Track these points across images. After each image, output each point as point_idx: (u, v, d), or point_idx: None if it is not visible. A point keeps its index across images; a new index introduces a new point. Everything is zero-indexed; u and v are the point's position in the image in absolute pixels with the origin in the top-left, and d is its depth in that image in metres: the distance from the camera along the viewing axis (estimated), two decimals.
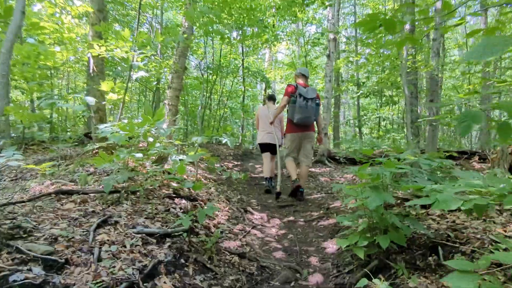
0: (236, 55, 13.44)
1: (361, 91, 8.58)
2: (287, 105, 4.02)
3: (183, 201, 3.00)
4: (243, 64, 12.20)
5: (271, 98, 5.50)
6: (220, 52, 11.57)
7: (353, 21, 13.16)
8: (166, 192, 3.07)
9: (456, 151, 6.95)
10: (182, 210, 2.76)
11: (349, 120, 9.56)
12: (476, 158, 6.71)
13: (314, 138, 4.24)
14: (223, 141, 3.05)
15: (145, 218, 2.32)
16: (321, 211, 3.68)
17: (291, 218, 3.57)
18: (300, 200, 4.10)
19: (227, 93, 12.30)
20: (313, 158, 6.51)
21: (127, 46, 3.88)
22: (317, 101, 3.91)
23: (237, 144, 10.17)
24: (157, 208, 2.61)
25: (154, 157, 3.58)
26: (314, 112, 3.89)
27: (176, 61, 6.07)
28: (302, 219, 3.49)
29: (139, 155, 2.74)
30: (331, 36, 7.25)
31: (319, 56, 13.44)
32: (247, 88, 14.20)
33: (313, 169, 6.67)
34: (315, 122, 4.17)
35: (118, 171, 2.86)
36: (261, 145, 5.09)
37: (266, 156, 5.04)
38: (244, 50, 12.96)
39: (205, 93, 10.00)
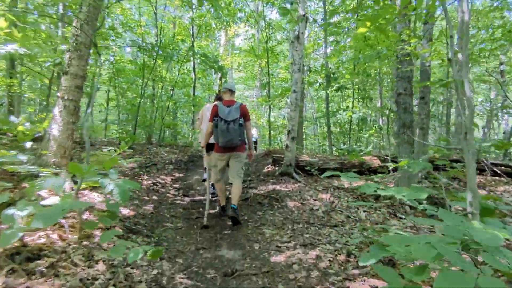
0: (185, 36, 11.35)
1: (336, 85, 7.14)
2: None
3: None
4: (193, 46, 10.20)
5: (220, 97, 4.56)
6: (160, 30, 9.37)
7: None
8: None
9: (450, 160, 5.78)
10: None
11: (319, 118, 8.18)
12: None
13: (244, 157, 3.98)
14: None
15: None
16: None
17: None
18: (234, 222, 3.64)
19: (173, 82, 10.21)
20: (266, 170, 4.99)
21: None
22: (240, 122, 3.73)
23: (184, 145, 8.25)
24: None
25: None
26: (238, 133, 3.71)
27: (77, 32, 4.01)
28: None
29: None
30: (301, 11, 5.60)
31: (282, 42, 11.82)
32: (199, 77, 12.21)
33: (277, 187, 5.07)
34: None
35: None
36: (210, 146, 4.23)
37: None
38: (194, 31, 10.93)
39: (142, 81, 7.90)
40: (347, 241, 3.07)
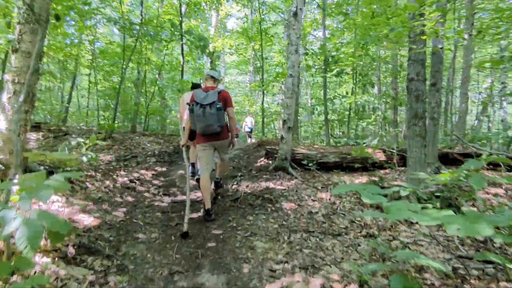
0: (173, 15, 10.49)
1: (336, 70, 6.46)
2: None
3: None
4: (181, 26, 9.37)
5: (196, 86, 4.62)
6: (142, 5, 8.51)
7: None
8: None
9: (459, 153, 5.27)
10: None
11: (315, 106, 7.55)
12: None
13: (227, 144, 3.77)
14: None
15: None
16: None
17: None
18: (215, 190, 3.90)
19: (159, 65, 9.43)
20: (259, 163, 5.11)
21: None
22: (218, 106, 3.42)
23: (170, 134, 7.59)
24: None
25: None
26: (216, 118, 3.42)
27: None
28: None
29: None
30: None
31: (276, 24, 11.04)
32: (188, 60, 11.42)
33: (271, 184, 4.50)
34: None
35: None
36: (193, 133, 3.76)
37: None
38: (183, 10, 10.06)
39: (122, 63, 7.14)
40: (355, 260, 2.53)
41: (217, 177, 4.14)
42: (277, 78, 8.30)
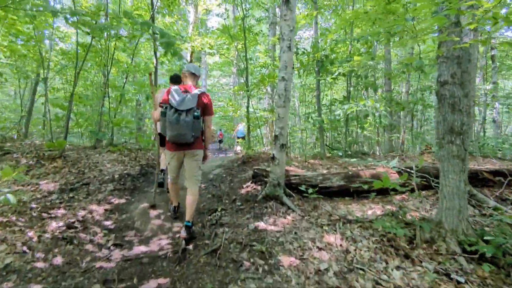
0: (144, 11, 9.26)
1: (339, 71, 5.39)
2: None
3: None
4: (153, 21, 8.16)
5: (176, 79, 4.04)
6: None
7: None
8: None
9: (488, 171, 4.32)
10: None
11: (310, 114, 6.47)
12: None
13: (199, 156, 3.19)
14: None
15: None
16: None
17: None
18: (186, 240, 3.02)
19: (128, 67, 8.17)
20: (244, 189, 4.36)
21: None
22: (195, 113, 2.91)
23: (139, 148, 6.37)
24: None
25: None
26: (191, 128, 2.91)
27: None
28: None
29: None
30: None
31: (262, 20, 9.97)
32: (162, 61, 10.19)
33: (261, 223, 3.39)
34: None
35: None
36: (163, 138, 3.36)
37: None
38: (155, 4, 8.84)
39: (76, 65, 5.87)
40: None
41: (188, 220, 3.08)
42: (264, 82, 7.20)
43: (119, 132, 7.67)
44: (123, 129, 8.02)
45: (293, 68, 4.03)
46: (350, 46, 6.86)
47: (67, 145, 7.26)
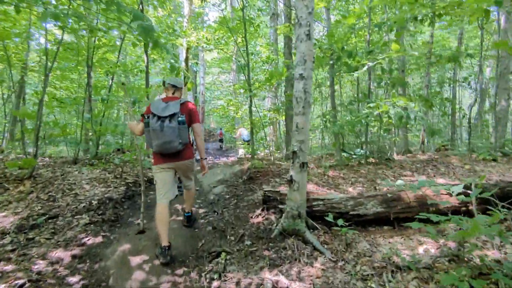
0: (133, 1, 8.28)
1: (367, 65, 4.38)
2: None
3: None
4: (142, 11, 7.24)
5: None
6: None
7: None
8: None
9: None
10: None
11: (326, 116, 5.53)
12: None
13: (192, 166, 3.11)
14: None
15: None
16: None
17: None
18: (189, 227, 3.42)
19: (114, 68, 7.23)
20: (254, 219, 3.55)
21: None
22: (180, 119, 2.80)
23: (120, 161, 5.44)
24: None
25: None
26: (177, 134, 2.77)
27: None
28: None
29: None
30: None
31: (262, 11, 8.99)
32: (154, 59, 9.24)
33: (281, 277, 2.47)
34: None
35: None
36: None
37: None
38: None
39: (46, 65, 4.93)
40: None
41: (187, 211, 3.52)
42: (269, 82, 6.24)
43: (104, 142, 6.73)
44: (107, 139, 7.08)
45: (313, 62, 3.08)
46: (368, 36, 5.88)
47: (45, 158, 6.35)
